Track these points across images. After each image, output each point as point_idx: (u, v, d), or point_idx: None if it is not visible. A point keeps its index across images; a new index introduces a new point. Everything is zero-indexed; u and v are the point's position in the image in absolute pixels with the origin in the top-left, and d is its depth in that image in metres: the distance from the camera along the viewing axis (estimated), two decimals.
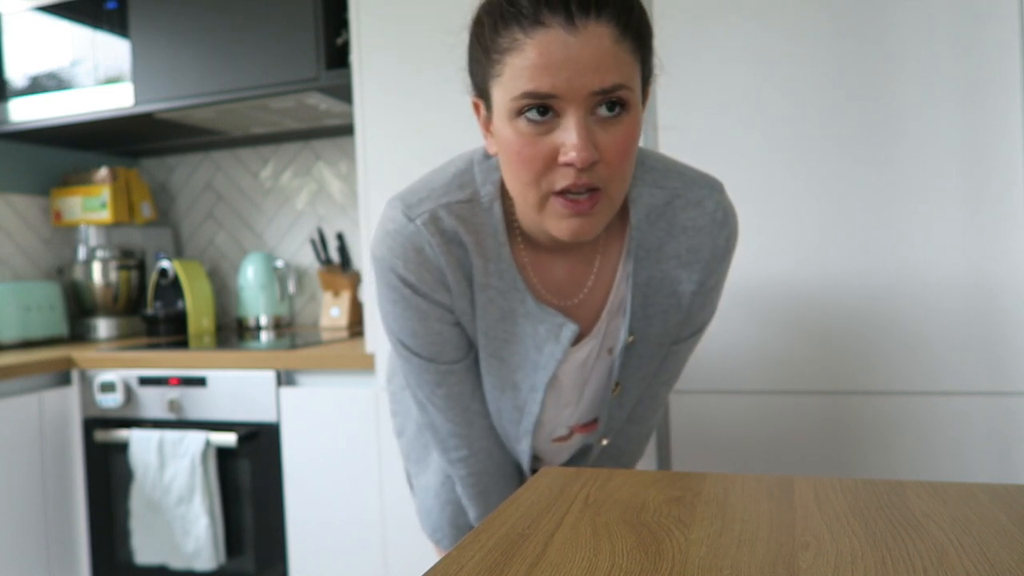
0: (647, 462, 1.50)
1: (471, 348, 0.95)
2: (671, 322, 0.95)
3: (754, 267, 1.46)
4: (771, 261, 1.46)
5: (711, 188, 0.91)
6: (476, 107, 0.84)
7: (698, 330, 1.02)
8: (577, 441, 1.09)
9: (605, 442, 1.07)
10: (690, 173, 0.92)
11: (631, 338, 0.93)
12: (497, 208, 0.87)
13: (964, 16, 1.34)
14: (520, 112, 0.75)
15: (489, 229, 0.87)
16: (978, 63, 1.34)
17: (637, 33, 0.75)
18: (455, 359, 0.93)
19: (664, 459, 1.51)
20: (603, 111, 0.74)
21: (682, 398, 1.49)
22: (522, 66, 0.73)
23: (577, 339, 0.94)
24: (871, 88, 1.40)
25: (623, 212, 0.90)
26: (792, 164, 1.44)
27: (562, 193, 0.76)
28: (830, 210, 1.43)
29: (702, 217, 0.90)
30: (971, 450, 1.37)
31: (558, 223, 0.78)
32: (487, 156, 0.89)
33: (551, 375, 0.93)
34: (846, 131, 1.41)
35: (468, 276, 0.88)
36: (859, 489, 0.67)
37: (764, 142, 1.45)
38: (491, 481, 1.03)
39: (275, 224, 2.59)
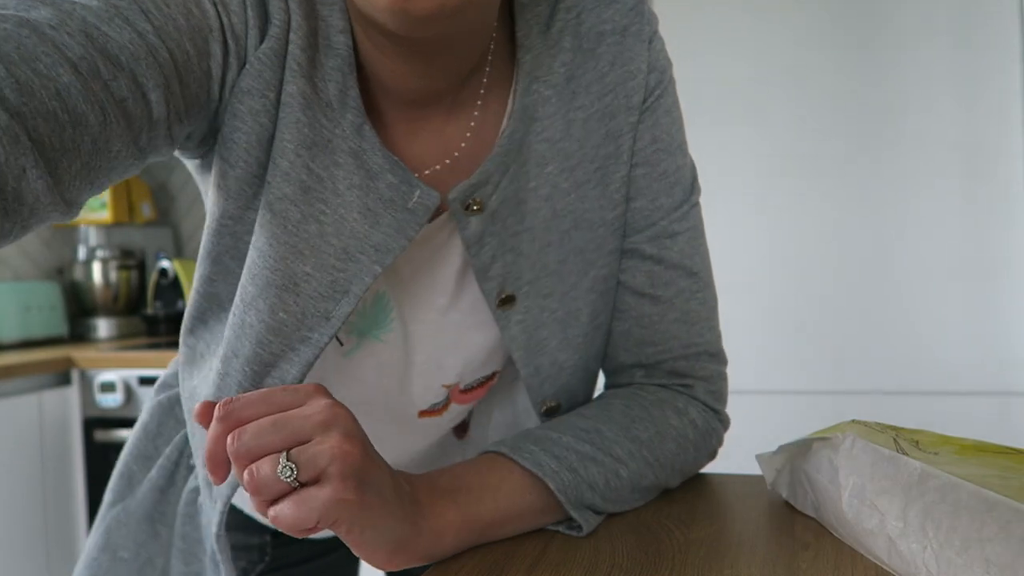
0: None
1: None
2: (607, 196, 0.62)
3: (755, 267, 1.46)
4: (772, 261, 1.46)
5: None
6: None
7: (668, 235, 0.64)
8: (452, 418, 0.67)
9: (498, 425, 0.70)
10: None
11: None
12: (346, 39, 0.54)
13: (964, 12, 1.34)
14: None
15: (332, 56, 0.54)
16: (978, 59, 1.34)
17: None
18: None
19: None
20: None
21: None
22: None
23: (433, 216, 0.57)
24: (872, 86, 1.39)
25: (510, 47, 0.60)
26: (793, 162, 1.44)
27: None
28: (832, 210, 1.42)
29: (619, 14, 0.60)
30: None
31: None
32: None
33: (389, 263, 0.55)
34: (848, 129, 1.41)
35: (285, 39, 0.52)
36: None
37: (765, 140, 1.45)
38: None
39: None
